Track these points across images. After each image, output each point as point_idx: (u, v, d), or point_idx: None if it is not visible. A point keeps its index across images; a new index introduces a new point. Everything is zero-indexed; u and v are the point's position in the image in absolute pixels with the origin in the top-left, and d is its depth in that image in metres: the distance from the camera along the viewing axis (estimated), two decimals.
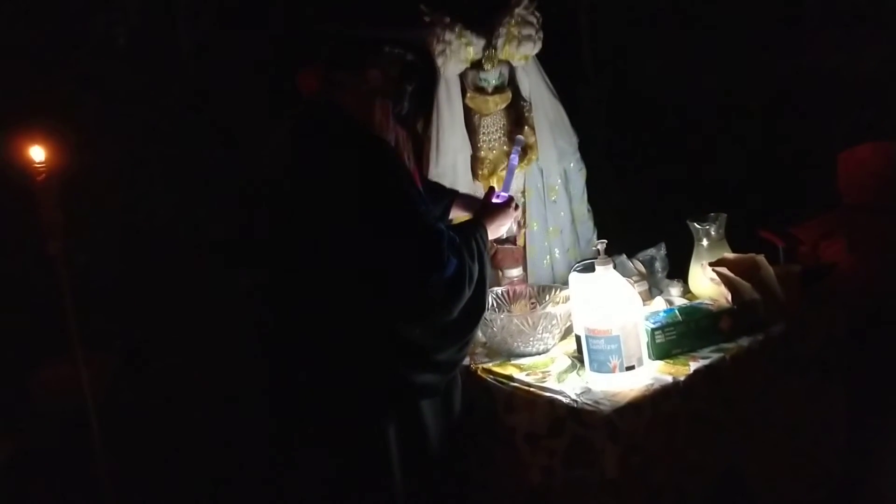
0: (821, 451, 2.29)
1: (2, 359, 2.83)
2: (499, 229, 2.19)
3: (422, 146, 2.58)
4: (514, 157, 2.38)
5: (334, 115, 1.91)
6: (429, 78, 2.11)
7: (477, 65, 2.49)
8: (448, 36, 2.41)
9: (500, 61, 2.49)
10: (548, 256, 2.63)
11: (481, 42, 2.45)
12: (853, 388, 2.35)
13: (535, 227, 2.60)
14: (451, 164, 2.57)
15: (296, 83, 1.99)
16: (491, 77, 2.50)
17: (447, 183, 2.52)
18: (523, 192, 2.58)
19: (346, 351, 1.86)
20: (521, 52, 2.48)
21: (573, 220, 2.67)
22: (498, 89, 2.51)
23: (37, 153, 2.47)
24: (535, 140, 2.55)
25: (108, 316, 2.95)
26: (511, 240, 2.57)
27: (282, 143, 1.98)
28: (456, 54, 2.43)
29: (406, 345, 1.87)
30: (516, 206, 2.24)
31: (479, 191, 2.55)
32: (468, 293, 1.87)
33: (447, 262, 1.81)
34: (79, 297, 2.58)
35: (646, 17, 3.64)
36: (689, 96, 3.52)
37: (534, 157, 2.57)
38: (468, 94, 2.54)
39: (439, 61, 2.45)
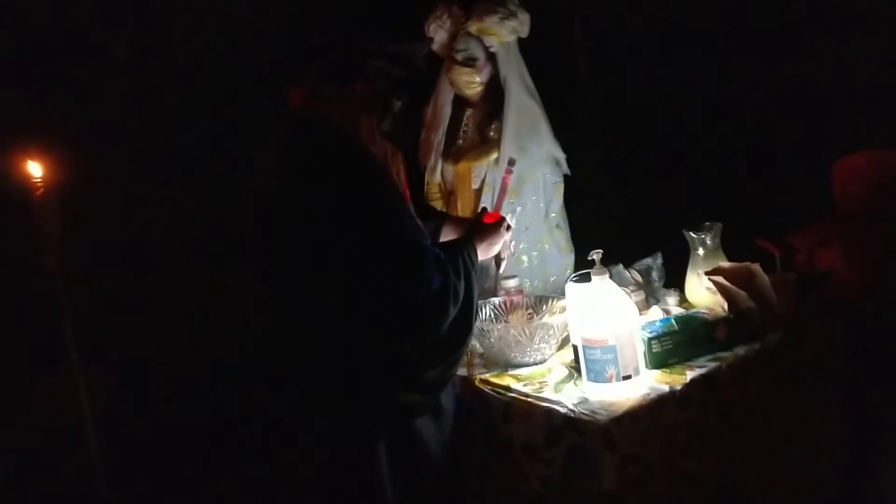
0: (818, 459, 2.29)
1: (0, 370, 2.84)
2: (489, 249, 2.14)
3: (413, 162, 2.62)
4: (508, 178, 2.37)
5: (321, 129, 1.89)
6: (417, 93, 2.11)
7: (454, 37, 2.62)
8: (445, 17, 2.60)
9: (469, 34, 2.59)
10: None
11: (462, 15, 2.60)
12: (850, 395, 2.34)
13: None
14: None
15: (285, 96, 2.00)
16: (460, 46, 2.60)
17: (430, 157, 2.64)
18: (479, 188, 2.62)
19: (332, 369, 1.85)
20: (485, 25, 2.56)
21: (528, 229, 2.61)
22: (466, 62, 2.60)
23: (34, 168, 2.48)
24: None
25: (105, 327, 2.96)
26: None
27: (271, 158, 1.98)
28: (444, 27, 2.61)
29: (392, 363, 1.85)
30: (508, 227, 2.20)
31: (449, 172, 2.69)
32: (453, 312, 1.85)
33: (429, 279, 1.79)
34: (76, 309, 2.59)
35: (641, 26, 3.65)
36: (685, 105, 3.53)
37: (493, 153, 2.60)
38: (447, 66, 2.65)
39: (435, 36, 2.61)
